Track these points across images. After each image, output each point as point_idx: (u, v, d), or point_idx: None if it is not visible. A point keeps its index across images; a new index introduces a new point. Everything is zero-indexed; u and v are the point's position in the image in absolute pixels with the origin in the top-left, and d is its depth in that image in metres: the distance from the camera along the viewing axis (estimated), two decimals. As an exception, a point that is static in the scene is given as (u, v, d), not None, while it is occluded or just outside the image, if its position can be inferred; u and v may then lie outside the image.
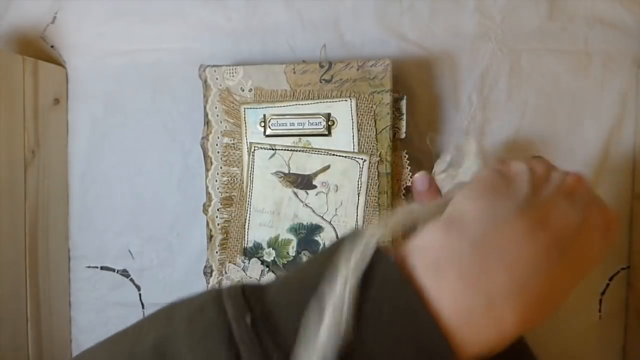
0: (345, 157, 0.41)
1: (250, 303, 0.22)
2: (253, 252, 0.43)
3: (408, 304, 0.21)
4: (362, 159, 0.41)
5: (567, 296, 0.25)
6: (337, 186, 0.42)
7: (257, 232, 0.43)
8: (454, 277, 0.21)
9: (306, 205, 0.42)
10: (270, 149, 0.43)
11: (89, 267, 0.51)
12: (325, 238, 0.42)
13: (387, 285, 0.21)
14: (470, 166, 0.38)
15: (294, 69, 0.42)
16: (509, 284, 0.22)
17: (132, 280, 0.50)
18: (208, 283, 0.44)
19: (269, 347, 0.21)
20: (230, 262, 0.44)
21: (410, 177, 0.42)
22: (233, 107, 0.43)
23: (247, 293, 0.23)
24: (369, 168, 0.41)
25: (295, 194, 0.43)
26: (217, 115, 0.44)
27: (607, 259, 0.44)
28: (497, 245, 0.22)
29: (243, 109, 0.43)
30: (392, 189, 0.41)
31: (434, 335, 0.21)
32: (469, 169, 0.38)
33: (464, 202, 0.25)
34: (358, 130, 0.41)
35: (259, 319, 0.21)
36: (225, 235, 0.44)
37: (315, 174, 0.42)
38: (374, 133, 0.41)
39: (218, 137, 0.44)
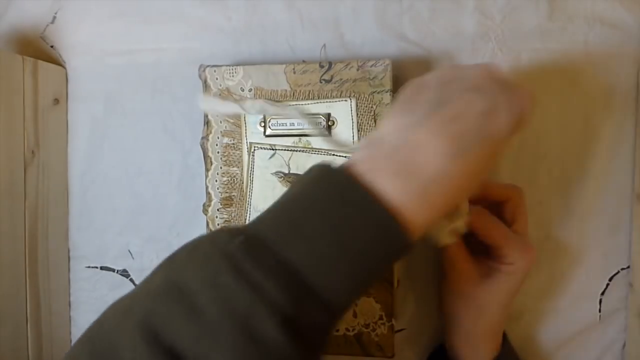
0: (345, 157, 0.41)
1: (237, 231, 0.26)
2: (253, 252, 0.43)
3: (362, 197, 0.26)
4: (362, 159, 0.41)
5: (486, 172, 0.31)
6: (337, 186, 0.42)
7: (257, 232, 0.43)
8: (387, 175, 0.27)
9: (306, 205, 0.42)
10: (270, 149, 0.43)
11: (89, 267, 0.51)
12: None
13: (343, 182, 0.27)
14: None
15: (294, 69, 0.42)
16: (430, 173, 0.27)
17: (132, 280, 0.50)
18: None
19: (260, 256, 0.25)
20: (230, 262, 0.44)
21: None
22: (233, 107, 0.43)
23: (230, 228, 0.27)
24: (369, 168, 0.41)
25: (295, 194, 0.42)
26: (217, 115, 0.44)
27: (608, 260, 0.44)
28: (412, 147, 0.27)
29: (243, 109, 0.43)
30: (392, 189, 0.41)
31: (385, 216, 0.26)
32: None
33: (384, 122, 0.30)
34: (358, 130, 0.41)
35: (247, 238, 0.26)
36: (225, 236, 0.44)
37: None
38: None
39: (218, 137, 0.44)
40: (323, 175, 0.28)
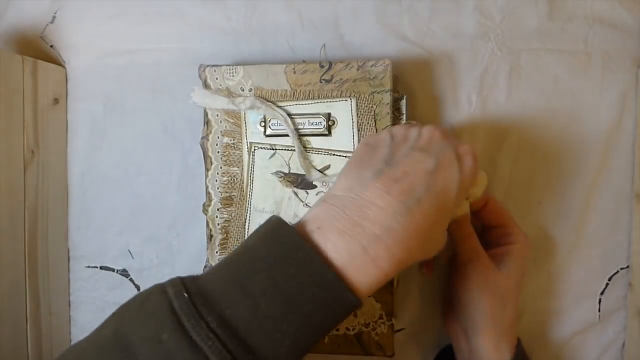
0: (345, 157, 0.41)
1: (187, 285, 0.27)
2: (253, 252, 0.43)
3: (306, 255, 0.27)
4: (362, 159, 0.41)
5: (440, 231, 0.32)
6: (337, 186, 0.42)
7: (257, 232, 0.43)
8: (333, 234, 0.28)
9: (306, 205, 0.42)
10: (270, 149, 0.43)
11: (89, 267, 0.51)
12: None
13: (292, 240, 0.28)
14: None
15: (294, 69, 0.42)
16: (376, 231, 0.28)
17: (131, 280, 0.50)
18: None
19: (204, 312, 0.25)
20: (230, 262, 0.44)
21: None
22: (233, 107, 0.43)
23: (184, 279, 0.28)
24: (369, 168, 0.41)
25: (296, 193, 0.43)
26: (217, 115, 0.44)
27: (608, 259, 0.44)
28: (360, 205, 0.29)
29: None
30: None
31: (328, 274, 0.27)
32: None
33: (339, 178, 0.32)
34: (358, 130, 0.41)
35: (194, 294, 0.26)
36: (225, 235, 0.44)
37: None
38: (374, 133, 0.41)
39: (218, 137, 0.44)
40: (274, 231, 0.29)
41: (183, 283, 0.27)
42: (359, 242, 0.28)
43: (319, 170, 0.42)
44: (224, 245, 0.44)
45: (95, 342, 0.27)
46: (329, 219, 0.29)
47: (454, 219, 0.40)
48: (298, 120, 0.42)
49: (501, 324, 0.39)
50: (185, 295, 0.26)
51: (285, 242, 0.28)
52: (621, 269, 0.44)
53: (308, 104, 0.42)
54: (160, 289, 0.27)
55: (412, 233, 0.29)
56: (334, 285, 0.27)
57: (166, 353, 0.24)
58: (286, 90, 0.42)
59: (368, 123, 0.41)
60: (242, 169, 0.43)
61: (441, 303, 0.45)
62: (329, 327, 0.28)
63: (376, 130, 0.41)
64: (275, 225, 0.29)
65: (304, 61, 0.44)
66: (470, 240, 0.40)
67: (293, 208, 0.43)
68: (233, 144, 0.44)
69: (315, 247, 0.28)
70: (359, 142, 0.41)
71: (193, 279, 0.28)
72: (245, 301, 0.26)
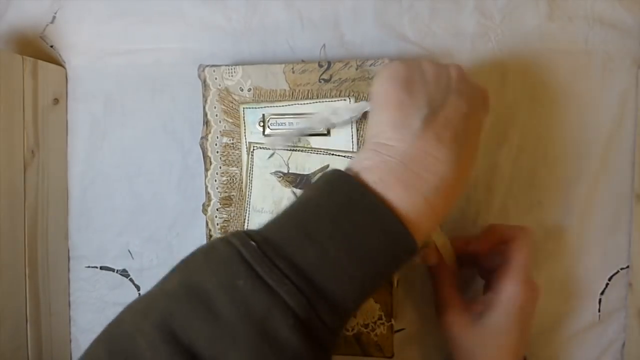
0: (344, 156, 0.41)
1: (251, 235, 0.27)
2: (252, 252, 0.43)
3: (372, 203, 0.28)
4: (361, 158, 0.41)
5: (471, 172, 0.32)
6: (336, 186, 0.42)
7: (257, 232, 0.43)
8: (396, 187, 0.28)
9: (305, 205, 0.42)
10: (269, 149, 0.43)
11: (89, 267, 0.51)
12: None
13: (354, 190, 0.28)
14: None
15: (292, 68, 0.42)
16: (435, 182, 0.29)
17: (131, 280, 0.50)
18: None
19: (274, 258, 0.26)
20: (229, 262, 0.44)
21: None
22: (232, 106, 0.43)
23: (246, 231, 0.28)
24: (368, 168, 0.41)
25: (295, 193, 0.42)
26: (216, 115, 0.44)
27: (608, 259, 0.44)
28: (418, 157, 0.29)
29: (242, 109, 0.43)
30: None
31: (393, 221, 0.27)
32: None
33: (380, 122, 0.31)
34: (357, 130, 0.41)
35: (261, 242, 0.27)
36: (224, 235, 0.44)
37: (315, 174, 0.42)
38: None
39: (217, 137, 0.44)
40: (334, 182, 0.29)
41: (247, 234, 0.27)
42: (422, 194, 0.28)
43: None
44: (224, 245, 0.44)
45: (163, 293, 0.27)
46: (388, 172, 0.29)
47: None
48: (297, 120, 0.42)
49: None
50: (253, 243, 0.26)
51: (348, 192, 0.28)
52: (621, 269, 0.44)
53: (307, 103, 0.42)
54: (223, 241, 0.27)
55: (462, 178, 0.30)
56: (398, 232, 0.27)
57: (243, 298, 0.25)
58: (285, 90, 0.42)
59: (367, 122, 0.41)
60: (241, 169, 0.43)
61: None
62: (390, 273, 0.30)
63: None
64: (334, 176, 0.29)
65: (302, 61, 0.44)
66: (446, 289, 0.40)
67: (292, 208, 0.42)
68: (232, 143, 0.44)
69: (380, 197, 0.28)
70: (358, 142, 0.41)
71: (254, 231, 0.28)
72: (313, 247, 0.26)
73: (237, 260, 0.26)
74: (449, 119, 0.30)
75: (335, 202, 0.28)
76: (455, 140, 0.30)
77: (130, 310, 0.27)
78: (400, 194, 0.28)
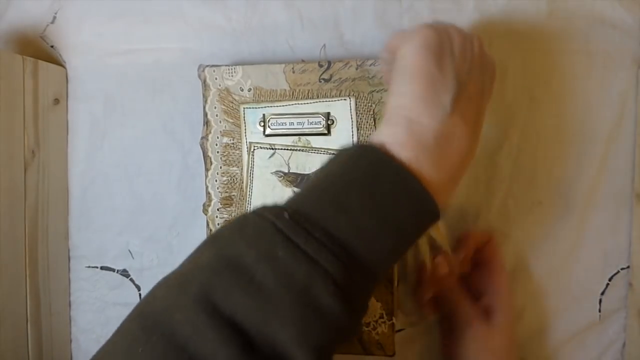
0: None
1: (282, 207, 0.28)
2: (252, 252, 0.43)
3: (400, 174, 0.29)
4: (361, 158, 0.41)
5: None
6: (336, 186, 0.42)
7: (257, 231, 0.43)
8: (427, 165, 0.29)
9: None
10: (269, 149, 0.43)
11: (89, 267, 0.51)
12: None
13: (382, 160, 0.29)
14: None
15: (293, 68, 0.42)
16: (459, 159, 0.31)
17: (132, 280, 0.50)
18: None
19: (309, 228, 0.26)
20: (229, 262, 0.44)
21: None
22: (232, 106, 0.43)
23: (276, 205, 0.29)
24: (368, 168, 0.41)
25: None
26: (217, 115, 0.44)
27: (608, 259, 0.44)
28: (446, 135, 0.30)
29: (242, 109, 0.43)
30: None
31: (423, 194, 0.29)
32: None
33: (415, 102, 0.31)
34: (357, 129, 0.41)
35: (293, 213, 0.27)
36: (224, 235, 0.44)
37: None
38: (374, 132, 0.41)
39: (217, 137, 0.44)
40: (361, 154, 0.30)
41: (273, 208, 0.28)
42: (448, 171, 0.30)
43: None
44: (224, 245, 0.44)
45: (198, 267, 0.27)
46: (420, 149, 0.30)
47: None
48: (297, 120, 0.42)
49: None
50: (287, 215, 0.27)
51: (376, 163, 0.29)
52: (621, 269, 0.44)
53: (307, 103, 0.42)
54: (256, 215, 0.28)
55: (474, 150, 0.32)
56: (426, 202, 0.29)
57: (285, 268, 0.25)
58: (285, 90, 0.42)
59: (367, 122, 0.41)
60: (242, 168, 0.43)
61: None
62: (416, 238, 0.31)
63: (376, 129, 0.41)
64: (360, 148, 0.30)
65: (303, 61, 0.44)
66: (464, 305, 0.41)
67: (293, 208, 0.42)
68: (232, 143, 0.44)
69: (407, 167, 0.29)
70: (358, 141, 0.41)
71: (285, 205, 0.29)
72: (345, 216, 0.27)
73: (272, 231, 0.26)
74: (471, 96, 0.32)
75: (365, 173, 0.29)
76: (473, 117, 0.32)
77: (162, 287, 0.27)
78: (428, 169, 0.29)
